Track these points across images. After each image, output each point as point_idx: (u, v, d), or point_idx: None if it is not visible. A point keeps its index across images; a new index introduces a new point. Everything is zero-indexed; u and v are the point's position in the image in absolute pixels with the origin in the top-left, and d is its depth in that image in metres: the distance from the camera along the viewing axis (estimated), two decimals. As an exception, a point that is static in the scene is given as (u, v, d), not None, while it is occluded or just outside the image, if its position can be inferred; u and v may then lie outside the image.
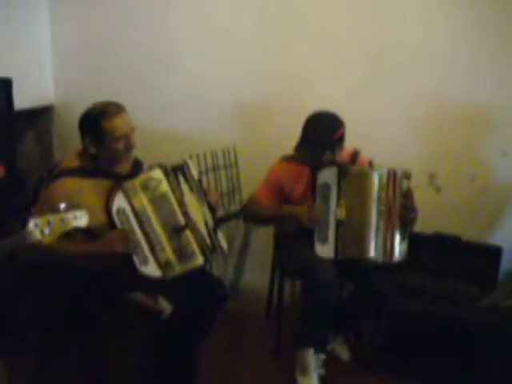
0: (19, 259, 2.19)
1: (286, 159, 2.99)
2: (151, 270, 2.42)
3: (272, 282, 3.45)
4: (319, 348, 2.91)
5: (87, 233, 2.30)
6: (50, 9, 3.87)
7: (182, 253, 2.49)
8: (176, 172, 2.53)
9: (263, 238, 3.57)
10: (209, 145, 3.48)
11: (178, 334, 2.47)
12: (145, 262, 2.40)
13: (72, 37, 3.91)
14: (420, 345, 2.92)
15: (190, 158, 2.84)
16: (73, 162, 2.44)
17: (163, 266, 2.45)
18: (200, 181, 2.64)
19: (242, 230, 3.76)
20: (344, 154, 2.91)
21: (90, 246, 2.32)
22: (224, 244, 2.68)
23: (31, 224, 1.80)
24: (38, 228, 1.81)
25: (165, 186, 2.48)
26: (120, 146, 2.38)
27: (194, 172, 2.61)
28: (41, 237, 1.82)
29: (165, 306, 2.45)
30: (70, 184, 2.31)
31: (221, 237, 2.67)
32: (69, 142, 3.95)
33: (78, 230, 2.19)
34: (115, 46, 3.80)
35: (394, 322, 2.98)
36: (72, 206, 1.91)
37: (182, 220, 2.51)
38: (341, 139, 2.82)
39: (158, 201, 2.46)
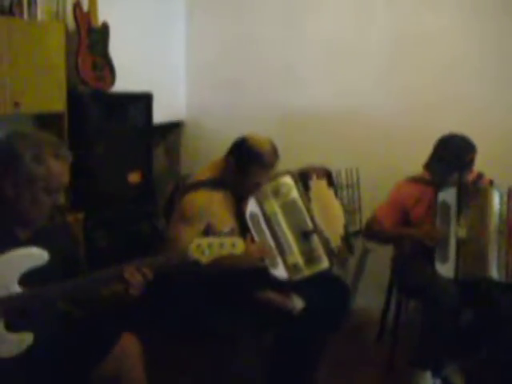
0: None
1: (411, 179, 3.17)
2: (279, 272, 2.67)
3: (387, 303, 3.55)
4: (436, 372, 2.97)
5: None
6: (185, 27, 4.33)
7: (309, 256, 2.73)
8: (304, 178, 2.80)
9: (380, 258, 3.72)
10: (334, 164, 3.68)
11: (308, 329, 2.67)
12: (274, 264, 2.65)
13: (205, 56, 4.33)
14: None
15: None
16: (206, 173, 2.76)
17: (291, 268, 2.69)
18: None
19: (359, 251, 3.92)
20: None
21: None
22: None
23: (195, 244, 2.05)
24: (200, 249, 2.05)
25: (294, 192, 2.76)
26: (248, 186, 2.69)
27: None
28: (200, 257, 2.05)
29: (297, 302, 2.65)
30: (200, 196, 2.62)
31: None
32: (196, 158, 4.34)
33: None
34: (248, 64, 4.17)
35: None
36: (232, 232, 2.15)
37: (310, 225, 2.76)
38: (470, 162, 2.97)
39: (287, 206, 2.73)
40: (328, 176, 2.93)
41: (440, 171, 2.98)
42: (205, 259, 2.05)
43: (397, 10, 3.68)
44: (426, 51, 3.64)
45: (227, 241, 2.08)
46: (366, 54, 3.80)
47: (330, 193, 2.90)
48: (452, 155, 2.94)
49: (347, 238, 2.90)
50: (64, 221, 2.28)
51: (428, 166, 3.02)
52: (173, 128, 4.43)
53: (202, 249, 2.05)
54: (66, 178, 2.01)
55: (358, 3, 3.80)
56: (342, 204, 3.00)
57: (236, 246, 2.10)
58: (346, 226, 2.90)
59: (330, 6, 3.87)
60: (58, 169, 1.97)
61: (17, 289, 1.92)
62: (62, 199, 2.03)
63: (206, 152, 4.19)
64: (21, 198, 1.95)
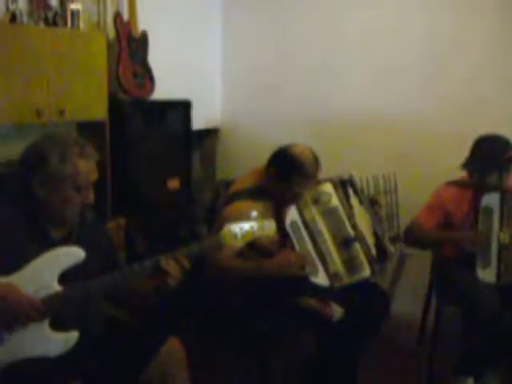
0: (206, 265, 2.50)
1: (451, 183, 3.16)
2: (320, 279, 2.69)
3: (426, 308, 3.54)
4: (477, 379, 2.96)
5: (260, 251, 2.59)
6: (221, 34, 4.40)
7: (350, 264, 2.76)
8: (345, 185, 2.81)
9: (418, 263, 3.71)
10: (371, 170, 3.68)
11: (347, 335, 2.68)
12: (315, 272, 2.68)
13: (240, 65, 4.39)
14: None
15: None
16: (246, 182, 2.79)
17: (332, 276, 2.71)
18: (363, 191, 2.93)
19: (396, 256, 3.91)
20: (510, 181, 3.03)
21: (264, 264, 2.60)
22: (391, 248, 2.94)
23: (225, 229, 2.11)
24: (231, 234, 2.10)
25: (335, 200, 2.78)
26: (289, 196, 2.69)
27: (358, 182, 2.90)
28: (233, 241, 2.11)
29: (336, 310, 2.66)
30: (241, 207, 2.62)
31: (386, 242, 2.92)
32: (231, 164, 4.40)
33: (251, 249, 2.49)
34: (282, 69, 4.20)
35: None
36: (262, 215, 2.19)
37: (351, 232, 2.78)
38: (509, 161, 2.94)
39: (328, 214, 2.76)
40: (352, 184, 2.92)
41: (478, 171, 2.96)
42: (238, 244, 2.10)
43: (433, 13, 3.68)
44: (460, 53, 3.64)
45: (258, 223, 2.13)
46: (404, 58, 3.80)
47: (356, 200, 2.89)
48: (489, 154, 2.92)
49: (380, 244, 2.89)
50: (97, 219, 2.32)
51: (466, 165, 3.01)
52: (209, 135, 4.48)
53: (234, 233, 2.09)
54: (93, 175, 2.07)
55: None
56: (369, 211, 2.97)
57: (267, 227, 2.15)
58: (375, 233, 2.89)
59: (370, 5, 3.88)
60: (85, 167, 2.03)
61: (57, 288, 1.97)
62: (91, 197, 2.08)
63: (241, 158, 4.26)
64: (51, 198, 2.02)
